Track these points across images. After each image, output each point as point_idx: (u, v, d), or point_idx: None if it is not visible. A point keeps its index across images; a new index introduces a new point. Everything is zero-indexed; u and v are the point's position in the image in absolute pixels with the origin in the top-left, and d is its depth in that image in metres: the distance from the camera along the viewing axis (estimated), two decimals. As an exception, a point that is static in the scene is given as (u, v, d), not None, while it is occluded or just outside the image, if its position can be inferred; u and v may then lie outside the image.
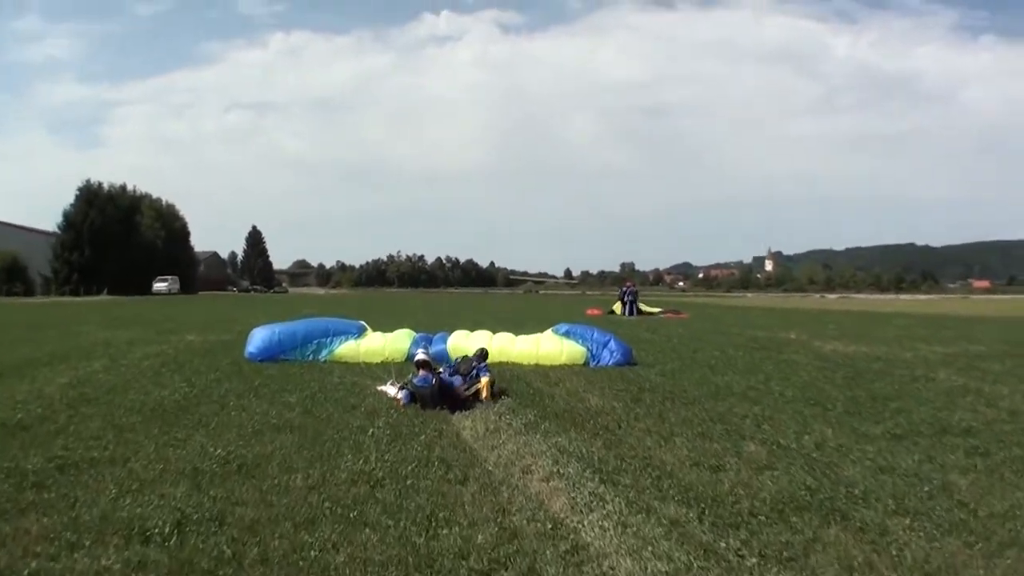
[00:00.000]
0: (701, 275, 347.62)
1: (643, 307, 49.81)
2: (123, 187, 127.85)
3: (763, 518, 7.02)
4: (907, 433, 10.87)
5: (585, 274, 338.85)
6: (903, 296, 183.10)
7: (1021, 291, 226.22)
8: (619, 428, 10.97)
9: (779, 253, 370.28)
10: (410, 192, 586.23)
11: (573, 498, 7.57)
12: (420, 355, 13.32)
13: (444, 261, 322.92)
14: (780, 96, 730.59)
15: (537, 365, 17.84)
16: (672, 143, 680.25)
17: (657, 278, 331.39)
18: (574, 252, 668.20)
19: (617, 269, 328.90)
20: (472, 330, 20.17)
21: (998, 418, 12.29)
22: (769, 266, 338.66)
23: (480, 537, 6.40)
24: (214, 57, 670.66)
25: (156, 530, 6.44)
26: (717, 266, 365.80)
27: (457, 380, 13.31)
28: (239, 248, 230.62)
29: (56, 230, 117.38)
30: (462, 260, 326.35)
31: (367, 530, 6.54)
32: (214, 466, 8.46)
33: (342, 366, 17.13)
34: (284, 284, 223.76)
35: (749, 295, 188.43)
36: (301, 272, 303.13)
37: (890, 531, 6.73)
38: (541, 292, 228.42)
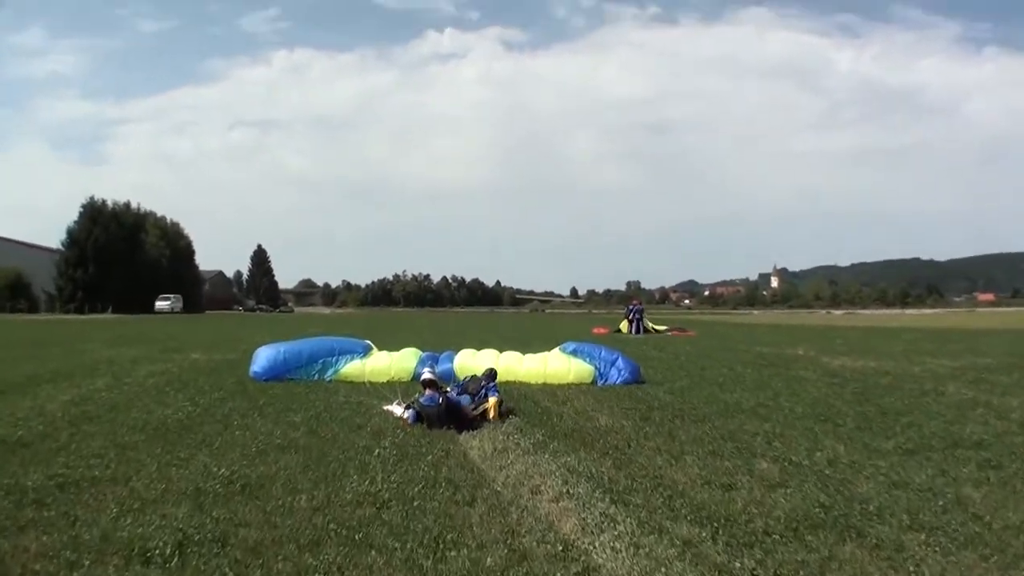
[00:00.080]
0: (707, 293, 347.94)
1: (650, 325, 49.59)
2: (127, 205, 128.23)
3: (777, 537, 6.90)
4: (919, 447, 10.81)
5: (591, 293, 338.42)
6: (909, 311, 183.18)
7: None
8: (629, 447, 10.81)
9: (784, 270, 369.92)
10: (415, 210, 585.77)
11: (583, 519, 7.41)
12: (427, 374, 13.21)
13: (450, 280, 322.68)
14: (783, 111, 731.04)
15: (545, 384, 17.66)
16: (676, 160, 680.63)
17: (663, 296, 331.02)
18: (579, 270, 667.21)
19: (623, 287, 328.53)
20: (479, 349, 20.00)
21: (1008, 430, 12.26)
22: (775, 283, 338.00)
23: (489, 560, 6.27)
24: (218, 75, 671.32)
25: (157, 551, 6.33)
26: (723, 283, 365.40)
27: (465, 399, 13.13)
28: (244, 267, 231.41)
29: (60, 247, 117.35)
30: (468, 279, 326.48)
31: (373, 552, 6.41)
32: (217, 486, 8.32)
33: (347, 385, 16.94)
34: (290, 303, 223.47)
35: (755, 312, 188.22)
36: (307, 291, 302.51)
37: (906, 547, 6.65)
38: (547, 311, 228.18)
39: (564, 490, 8.43)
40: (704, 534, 6.96)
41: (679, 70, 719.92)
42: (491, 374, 14.49)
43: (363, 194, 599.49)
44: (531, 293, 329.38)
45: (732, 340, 40.76)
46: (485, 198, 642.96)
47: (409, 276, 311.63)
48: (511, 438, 11.31)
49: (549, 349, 20.48)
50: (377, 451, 10.22)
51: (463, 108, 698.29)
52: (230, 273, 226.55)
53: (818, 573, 6.10)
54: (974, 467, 9.61)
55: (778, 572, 6.09)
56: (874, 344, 35.60)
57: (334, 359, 18.56)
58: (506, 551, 6.49)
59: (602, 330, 50.99)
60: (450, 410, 12.24)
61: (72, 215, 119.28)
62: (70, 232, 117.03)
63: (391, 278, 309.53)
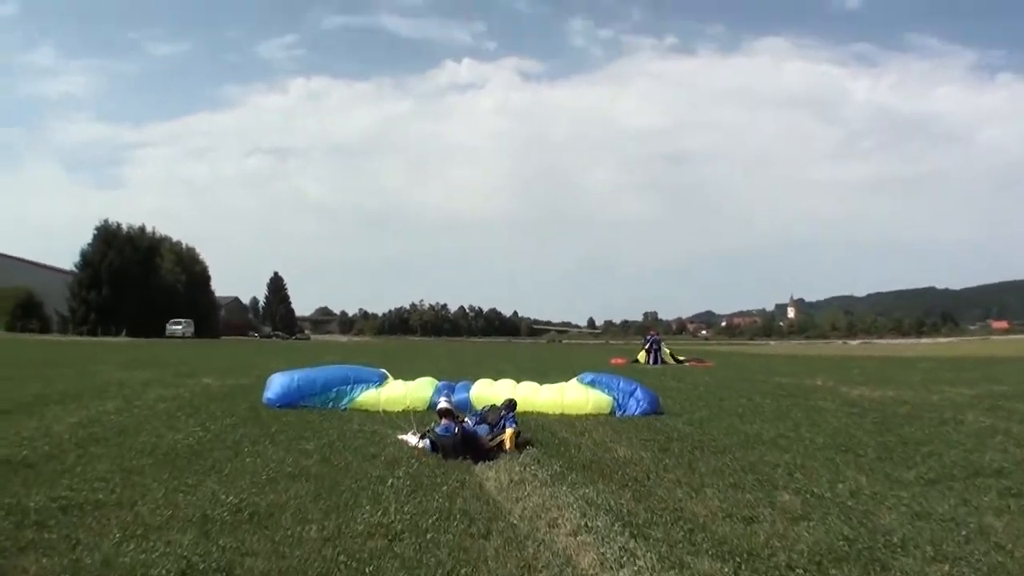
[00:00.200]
0: (724, 323, 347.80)
1: (668, 354, 49.37)
2: (142, 228, 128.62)
3: (801, 571, 6.72)
4: (940, 477, 10.68)
5: (608, 323, 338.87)
6: (924, 340, 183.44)
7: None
8: (648, 479, 10.55)
9: (801, 300, 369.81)
10: (432, 240, 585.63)
11: (602, 553, 7.17)
12: (443, 403, 12.95)
13: (467, 310, 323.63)
14: (800, 141, 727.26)
15: (562, 414, 17.41)
16: (693, 191, 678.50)
17: (680, 327, 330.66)
18: (597, 301, 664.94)
19: (640, 318, 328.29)
20: (496, 379, 19.79)
21: (1027, 458, 12.09)
22: (791, 313, 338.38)
23: (503, 596, 6.01)
24: (234, 101, 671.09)
25: (159, 579, 6.09)
26: (740, 314, 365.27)
27: (484, 429, 12.93)
28: (261, 294, 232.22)
29: (73, 269, 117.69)
30: (485, 309, 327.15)
31: (384, 586, 6.14)
32: (225, 514, 8.09)
33: (362, 414, 16.70)
34: (306, 331, 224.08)
35: (772, 343, 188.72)
36: (324, 319, 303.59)
37: None
38: (564, 341, 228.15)
39: (582, 523, 8.18)
40: (727, 569, 6.75)
41: (696, 101, 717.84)
42: (511, 404, 14.24)
43: (380, 222, 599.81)
44: (548, 323, 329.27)
45: (750, 370, 40.56)
46: (503, 228, 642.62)
47: (426, 305, 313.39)
48: (528, 469, 11.06)
49: (567, 379, 20.19)
50: (391, 481, 9.97)
51: (480, 138, 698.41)
52: (246, 299, 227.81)
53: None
54: (995, 496, 9.53)
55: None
56: (891, 374, 35.49)
57: (349, 387, 18.34)
58: (522, 587, 6.23)
59: (620, 360, 50.80)
60: (466, 440, 12.00)
61: (86, 237, 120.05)
62: (84, 254, 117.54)
63: (408, 307, 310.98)
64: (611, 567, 6.81)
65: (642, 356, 48.96)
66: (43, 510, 7.97)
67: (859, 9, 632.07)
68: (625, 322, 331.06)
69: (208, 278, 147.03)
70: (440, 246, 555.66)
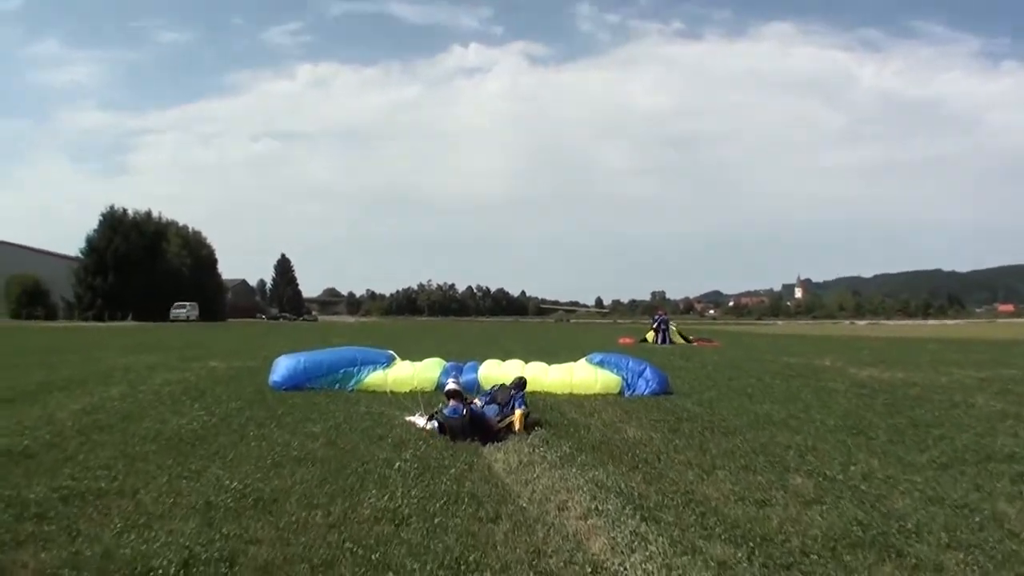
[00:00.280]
0: (731, 303, 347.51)
1: (675, 333, 49.21)
2: (148, 214, 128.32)
3: (815, 557, 6.58)
4: (952, 461, 10.51)
5: (616, 303, 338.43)
6: (931, 321, 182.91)
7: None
8: (659, 461, 10.41)
9: (808, 281, 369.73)
10: (440, 221, 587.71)
11: (613, 538, 7.04)
12: (451, 384, 12.85)
13: (475, 290, 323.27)
14: (807, 125, 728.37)
15: (571, 394, 17.34)
16: (700, 173, 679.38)
17: (688, 307, 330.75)
18: (604, 281, 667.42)
19: (648, 298, 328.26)
20: (504, 359, 19.68)
21: (1038, 443, 11.97)
22: (799, 294, 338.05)
23: (513, 583, 5.88)
24: (241, 87, 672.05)
25: (160, 570, 6.01)
26: (747, 294, 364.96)
27: (493, 409, 12.80)
28: (268, 276, 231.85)
29: (79, 255, 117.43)
30: (493, 289, 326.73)
31: (390, 574, 6.08)
32: (228, 500, 7.96)
33: (369, 395, 16.59)
34: (313, 312, 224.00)
35: (779, 322, 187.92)
36: (331, 300, 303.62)
37: (945, 567, 6.40)
38: (572, 321, 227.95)
39: (592, 506, 8.05)
40: (740, 554, 6.61)
41: (704, 85, 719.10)
42: (520, 383, 14.13)
43: (388, 205, 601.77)
44: (556, 303, 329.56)
45: (758, 350, 40.44)
46: (510, 209, 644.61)
47: (434, 285, 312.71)
48: (537, 451, 10.92)
49: (575, 359, 20.17)
50: (398, 464, 9.84)
51: (488, 122, 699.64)
52: (254, 282, 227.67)
53: (859, 596, 5.76)
54: (1007, 482, 9.37)
55: (818, 595, 5.75)
56: (900, 355, 35.32)
57: (356, 369, 18.27)
58: (532, 573, 6.16)
59: (628, 340, 50.83)
60: (474, 422, 11.87)
61: (93, 224, 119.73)
62: (89, 240, 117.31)
63: (416, 287, 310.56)
64: (622, 552, 6.67)
65: (650, 336, 48.85)
66: (44, 501, 7.83)
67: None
68: (633, 302, 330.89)
69: (215, 261, 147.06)
70: (447, 227, 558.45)
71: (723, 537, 7.04)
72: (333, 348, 21.46)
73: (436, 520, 7.43)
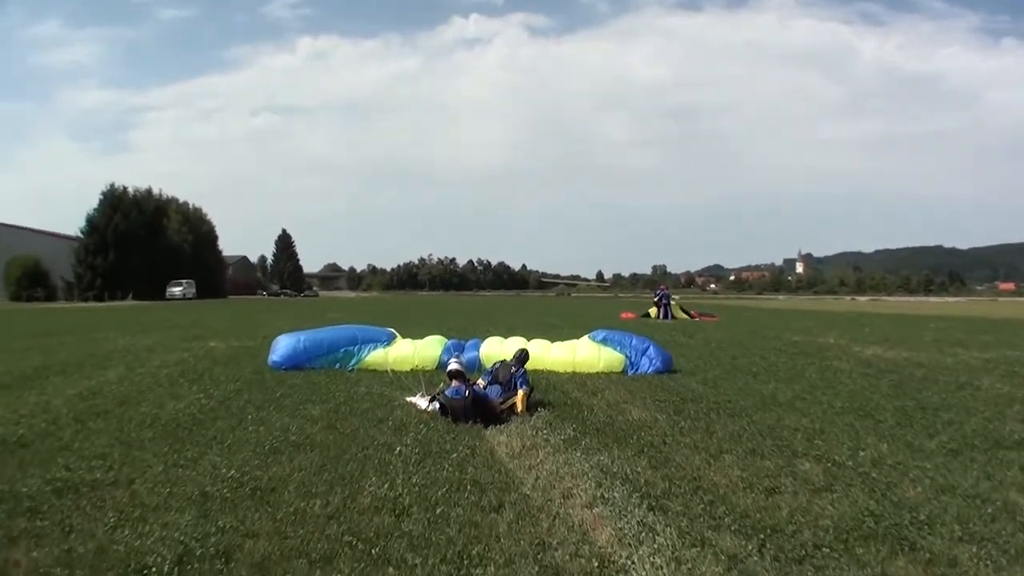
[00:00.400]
0: (732, 277, 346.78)
1: (676, 307, 49.07)
2: (148, 191, 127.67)
3: (827, 550, 6.43)
4: (962, 447, 10.36)
5: (617, 277, 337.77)
6: (932, 298, 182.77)
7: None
8: (664, 444, 10.26)
9: (809, 255, 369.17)
10: (440, 194, 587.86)
11: (620, 529, 6.88)
12: (453, 364, 12.63)
13: (476, 264, 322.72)
14: (808, 98, 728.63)
15: (574, 372, 17.27)
16: (701, 145, 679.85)
17: (689, 280, 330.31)
18: (605, 255, 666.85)
19: (649, 271, 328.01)
20: (506, 336, 19.52)
21: (1046, 429, 11.86)
22: (800, 268, 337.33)
23: (517, 578, 5.73)
24: (241, 62, 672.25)
25: (154, 567, 5.86)
26: (748, 268, 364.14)
27: (496, 390, 12.68)
28: (269, 252, 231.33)
29: (79, 235, 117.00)
30: (494, 263, 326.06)
31: (390, 569, 5.92)
32: (225, 490, 7.81)
33: (369, 375, 16.44)
34: (315, 288, 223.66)
35: (780, 297, 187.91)
36: (332, 275, 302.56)
37: (959, 561, 6.28)
38: (573, 295, 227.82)
39: (598, 494, 7.90)
40: (750, 547, 6.47)
41: (703, 56, 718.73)
42: (521, 357, 13.99)
43: (389, 178, 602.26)
44: (557, 277, 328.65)
45: (761, 326, 40.36)
46: (511, 182, 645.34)
47: (435, 260, 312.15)
48: (540, 434, 10.77)
49: (578, 336, 20.07)
50: (399, 449, 9.70)
51: (488, 93, 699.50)
52: (254, 258, 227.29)
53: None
54: (1018, 471, 9.18)
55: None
56: (903, 333, 35.15)
57: (356, 348, 18.15)
58: (537, 568, 6.00)
59: (630, 315, 50.68)
60: (477, 403, 11.71)
61: (93, 203, 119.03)
62: (90, 219, 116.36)
63: (417, 262, 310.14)
64: (630, 544, 6.52)
65: (653, 311, 48.65)
66: (37, 495, 7.68)
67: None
68: (634, 275, 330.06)
69: (215, 238, 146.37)
70: (448, 200, 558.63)
71: (733, 528, 6.90)
72: (333, 326, 21.27)
73: (438, 510, 7.28)
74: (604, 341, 18.61)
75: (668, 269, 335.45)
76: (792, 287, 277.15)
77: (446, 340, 19.18)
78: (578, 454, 9.60)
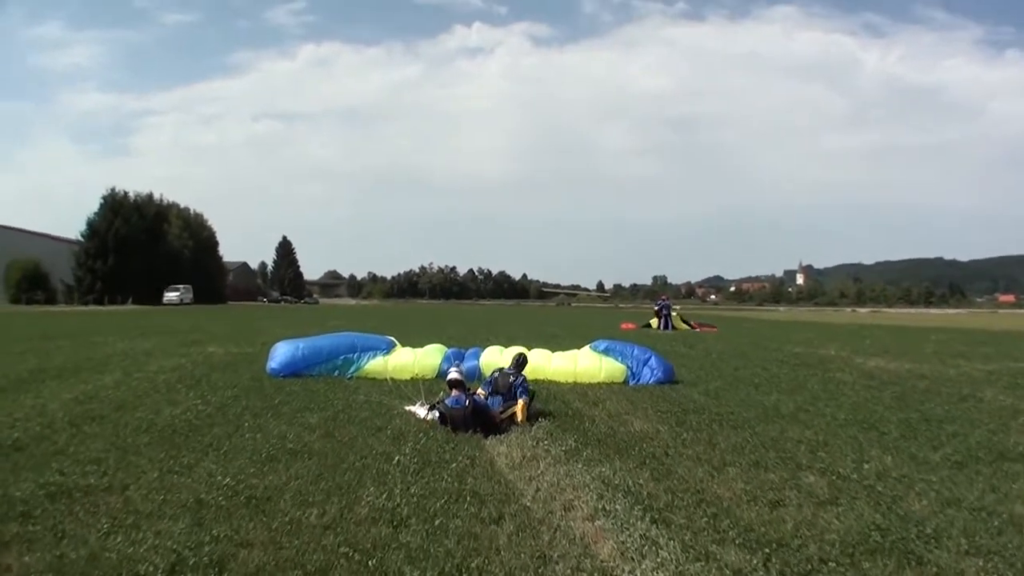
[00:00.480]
0: (732, 288, 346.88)
1: (676, 318, 48.94)
2: (149, 196, 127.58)
3: (834, 564, 6.35)
4: (966, 460, 10.34)
5: (617, 287, 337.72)
6: (932, 310, 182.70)
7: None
8: (667, 456, 10.15)
9: (810, 267, 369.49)
10: (441, 203, 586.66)
11: (622, 542, 6.77)
12: (453, 374, 12.51)
13: (476, 273, 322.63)
14: (810, 109, 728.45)
15: (575, 383, 17.14)
16: (703, 156, 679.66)
17: (689, 291, 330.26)
18: (606, 265, 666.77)
19: (649, 282, 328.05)
20: (506, 345, 19.43)
21: (1050, 442, 11.80)
22: (800, 280, 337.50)
23: (517, 593, 5.62)
24: (243, 67, 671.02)
25: (147, 576, 5.72)
26: (748, 279, 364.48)
27: (497, 402, 12.55)
28: (269, 258, 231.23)
29: (79, 238, 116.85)
30: (494, 272, 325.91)
31: (387, 582, 5.74)
32: (220, 498, 7.70)
33: (368, 383, 16.30)
34: (315, 295, 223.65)
35: (781, 309, 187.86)
36: (332, 283, 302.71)
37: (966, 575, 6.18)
38: (573, 305, 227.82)
39: (600, 506, 7.79)
40: (755, 561, 6.37)
41: (706, 67, 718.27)
42: (520, 362, 13.83)
43: (390, 186, 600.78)
44: (557, 287, 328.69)
45: (762, 337, 40.21)
46: (512, 192, 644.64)
47: (435, 268, 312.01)
48: (541, 444, 10.67)
49: (579, 346, 19.94)
50: (397, 458, 9.58)
51: (490, 102, 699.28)
52: (255, 264, 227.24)
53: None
54: (1023, 483, 9.10)
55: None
56: (904, 345, 35.03)
57: (355, 355, 18.06)
58: (537, 582, 5.84)
59: (630, 325, 50.52)
60: (477, 413, 11.58)
61: (93, 207, 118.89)
62: (90, 223, 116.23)
63: (417, 270, 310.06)
64: (632, 558, 6.42)
65: (654, 322, 48.52)
66: (30, 499, 7.60)
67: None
68: (634, 286, 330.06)
69: (216, 243, 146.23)
70: (449, 209, 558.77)
71: (737, 542, 6.80)
72: (332, 334, 21.17)
73: (436, 521, 7.17)
74: (606, 351, 18.50)
75: (668, 280, 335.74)
76: (792, 298, 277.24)
77: (446, 349, 19.04)
78: (579, 465, 9.50)
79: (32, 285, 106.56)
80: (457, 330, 41.30)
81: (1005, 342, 38.53)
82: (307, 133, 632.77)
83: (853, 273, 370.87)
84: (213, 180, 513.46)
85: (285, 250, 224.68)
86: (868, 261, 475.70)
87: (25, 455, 9.47)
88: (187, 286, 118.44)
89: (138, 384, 16.10)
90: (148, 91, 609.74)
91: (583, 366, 17.91)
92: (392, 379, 16.48)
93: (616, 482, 8.70)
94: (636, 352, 18.23)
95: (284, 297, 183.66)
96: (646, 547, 6.63)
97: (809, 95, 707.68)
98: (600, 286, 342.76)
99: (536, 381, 15.61)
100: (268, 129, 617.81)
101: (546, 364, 17.91)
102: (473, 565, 6.12)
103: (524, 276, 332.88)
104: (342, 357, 18.03)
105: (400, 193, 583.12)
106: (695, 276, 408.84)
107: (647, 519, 7.37)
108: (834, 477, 9.18)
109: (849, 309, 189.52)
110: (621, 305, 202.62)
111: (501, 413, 12.16)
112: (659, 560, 6.34)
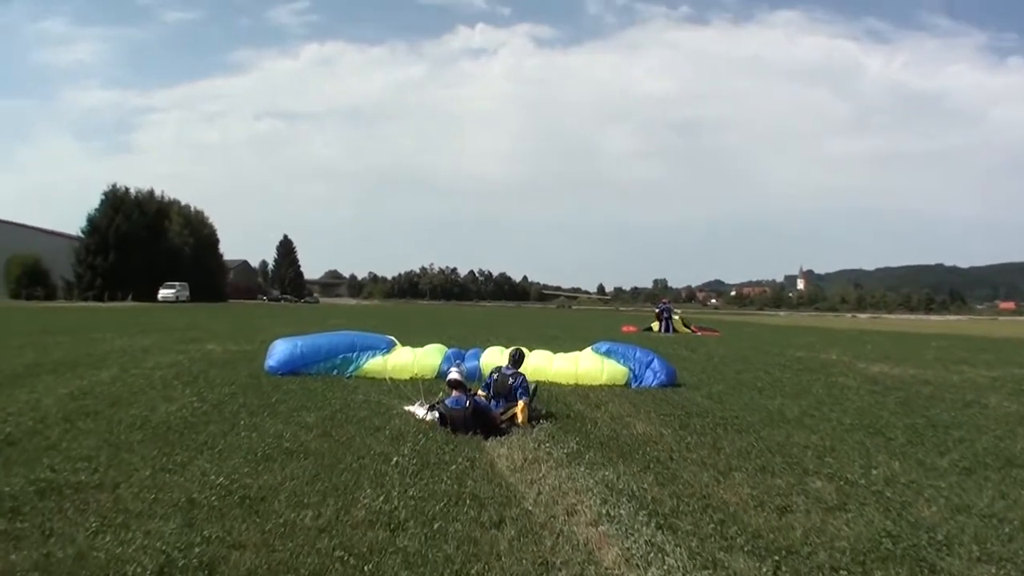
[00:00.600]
0: (733, 293, 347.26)
1: (678, 322, 48.83)
2: (150, 193, 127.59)
3: (845, 572, 6.25)
4: (974, 466, 10.27)
5: (618, 290, 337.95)
6: (933, 316, 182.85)
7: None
8: (671, 460, 9.98)
9: (810, 272, 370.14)
10: (443, 204, 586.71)
11: (627, 548, 6.62)
12: (454, 374, 12.29)
13: (477, 274, 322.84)
14: (813, 114, 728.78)
15: (576, 385, 17.00)
16: (705, 159, 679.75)
17: (689, 295, 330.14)
18: (606, 268, 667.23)
19: (650, 285, 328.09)
20: (507, 346, 19.25)
21: (1056, 448, 11.73)
22: (801, 285, 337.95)
23: (519, 601, 5.46)
24: (246, 66, 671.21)
25: (134, 578, 5.58)
26: (749, 284, 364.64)
27: (498, 404, 12.39)
28: (270, 257, 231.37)
29: (80, 234, 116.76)
30: (495, 274, 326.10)
31: (384, 588, 5.57)
32: (213, 498, 7.54)
33: (367, 383, 16.17)
34: (315, 294, 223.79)
35: (781, 314, 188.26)
36: (333, 282, 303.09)
37: None
38: (574, 307, 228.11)
39: (603, 511, 7.62)
40: (764, 569, 6.25)
41: (710, 70, 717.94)
42: (516, 358, 13.59)
43: (391, 187, 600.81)
44: (558, 289, 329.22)
45: (763, 342, 40.12)
46: (513, 193, 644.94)
47: (436, 269, 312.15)
48: (542, 447, 10.50)
49: (580, 348, 19.83)
50: (395, 459, 9.41)
51: (493, 103, 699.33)
52: (255, 263, 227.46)
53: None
54: (1031, 489, 9.04)
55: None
56: (906, 350, 34.99)
57: (355, 354, 17.92)
58: (539, 590, 5.67)
59: (631, 328, 50.39)
60: (477, 414, 11.41)
61: (95, 203, 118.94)
62: (91, 219, 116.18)
63: (418, 271, 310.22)
64: (638, 564, 6.28)
65: (655, 324, 48.43)
66: (20, 495, 7.48)
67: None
68: (635, 289, 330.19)
69: (216, 241, 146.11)
70: (451, 210, 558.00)
71: (745, 549, 6.66)
72: (331, 332, 21.02)
73: (435, 525, 7.01)
74: (608, 353, 18.37)
75: (669, 283, 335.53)
76: (793, 303, 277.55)
77: (446, 349, 18.88)
78: (582, 469, 9.34)
79: (32, 281, 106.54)
80: (457, 331, 41.19)
81: (1007, 349, 38.57)
82: (310, 132, 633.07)
83: (854, 279, 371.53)
84: (215, 178, 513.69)
85: (286, 249, 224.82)
86: (869, 267, 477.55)
87: (17, 450, 9.35)
88: (183, 284, 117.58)
89: (134, 380, 15.94)
90: (151, 88, 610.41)
91: (585, 368, 17.78)
92: (391, 379, 16.31)
93: (620, 486, 8.54)
94: (639, 354, 18.10)
95: (284, 296, 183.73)
96: (652, 554, 6.47)
97: (812, 100, 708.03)
98: (601, 289, 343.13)
99: (537, 383, 15.43)
100: (270, 128, 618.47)
101: (547, 366, 17.78)
102: (473, 571, 5.98)
103: (525, 278, 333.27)
104: (341, 356, 17.88)
105: (403, 193, 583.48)
106: (696, 280, 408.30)
107: (652, 525, 7.21)
108: (842, 483, 9.06)
109: (849, 315, 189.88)
110: (622, 308, 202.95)
111: (501, 414, 12.00)
112: (665, 567, 6.20)
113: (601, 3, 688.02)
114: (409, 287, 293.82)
